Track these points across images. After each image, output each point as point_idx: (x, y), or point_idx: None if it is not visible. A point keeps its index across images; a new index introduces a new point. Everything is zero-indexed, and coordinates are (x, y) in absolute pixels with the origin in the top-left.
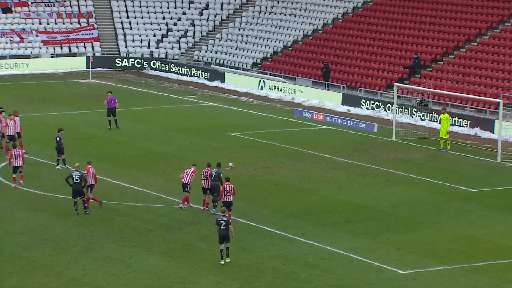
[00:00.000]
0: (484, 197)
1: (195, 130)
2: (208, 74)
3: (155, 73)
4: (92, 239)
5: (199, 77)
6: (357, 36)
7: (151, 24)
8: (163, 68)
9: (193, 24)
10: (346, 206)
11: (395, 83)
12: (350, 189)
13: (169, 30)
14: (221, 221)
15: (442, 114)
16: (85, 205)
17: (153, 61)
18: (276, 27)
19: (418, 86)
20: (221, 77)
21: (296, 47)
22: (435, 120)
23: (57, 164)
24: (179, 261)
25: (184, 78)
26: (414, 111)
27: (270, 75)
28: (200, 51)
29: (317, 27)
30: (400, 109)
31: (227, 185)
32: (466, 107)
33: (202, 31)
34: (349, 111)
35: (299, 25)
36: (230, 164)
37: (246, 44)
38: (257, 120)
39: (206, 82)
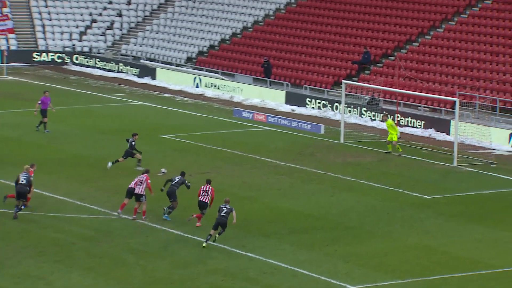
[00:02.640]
0: (439, 204)
1: (123, 132)
2: (138, 70)
3: (78, 69)
4: (8, 254)
5: (127, 73)
6: (301, 29)
7: (73, 15)
8: (86, 63)
9: (120, 15)
10: (290, 215)
11: (343, 80)
12: (295, 196)
13: (93, 21)
14: (223, 208)
15: (386, 121)
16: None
17: (76, 55)
18: (212, 19)
19: (368, 84)
20: (152, 73)
21: (235, 41)
22: None
23: None
24: (106, 278)
25: (111, 74)
26: (364, 110)
27: (206, 71)
28: (128, 45)
29: (257, 18)
30: (349, 108)
31: (206, 186)
32: (420, 106)
33: (131, 23)
34: (293, 110)
35: (238, 16)
36: (163, 170)
37: (179, 37)
38: (192, 121)
39: (135, 79)
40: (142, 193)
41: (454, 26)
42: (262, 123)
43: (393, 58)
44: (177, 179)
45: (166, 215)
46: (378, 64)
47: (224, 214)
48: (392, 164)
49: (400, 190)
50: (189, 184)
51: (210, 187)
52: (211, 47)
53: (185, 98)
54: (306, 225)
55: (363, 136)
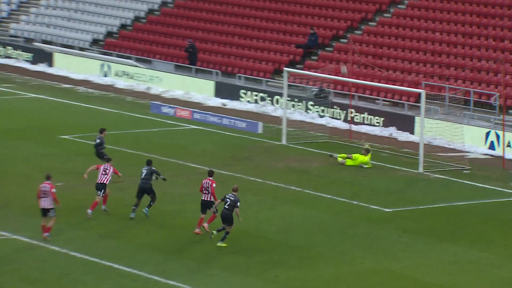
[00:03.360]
0: (402, 219)
1: (14, 131)
2: (31, 55)
3: None
4: None
5: (17, 58)
6: (234, 4)
7: None
8: None
9: None
10: (221, 234)
11: (285, 68)
12: None
13: None
14: (227, 200)
15: (361, 155)
16: None
17: None
18: None
19: (315, 72)
20: (48, 59)
21: (152, 19)
22: (338, 117)
23: None
24: None
25: None
26: (311, 105)
27: (116, 56)
28: (18, 23)
29: None
30: (292, 102)
31: (206, 181)
32: (378, 99)
33: None
34: (225, 105)
35: None
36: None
37: (82, 14)
38: (100, 118)
39: (28, 66)
40: (50, 207)
41: (419, 2)
42: (187, 121)
43: (345, 40)
44: (144, 172)
45: (146, 208)
46: (327, 48)
47: (227, 207)
48: (345, 170)
49: (355, 202)
50: (161, 175)
51: (211, 182)
52: (123, 26)
53: (91, 90)
54: (241, 246)
55: (309, 136)
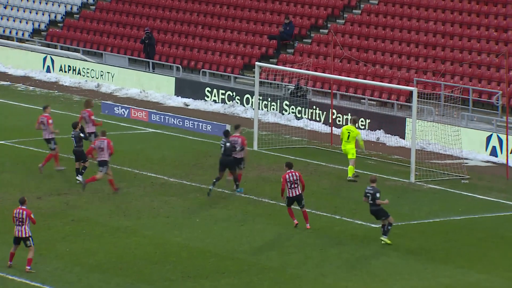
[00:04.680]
0: (391, 236)
1: None
2: None
3: None
4: None
5: None
6: None
7: None
8: None
9: None
10: (184, 253)
11: (257, 63)
12: (190, 226)
13: None
14: (368, 194)
15: (348, 127)
16: None
17: None
18: None
19: (291, 67)
20: None
21: (101, 5)
22: (317, 119)
23: None
24: None
25: None
26: (286, 105)
27: (61, 49)
28: None
29: None
30: (265, 102)
31: (291, 174)
32: (364, 98)
33: None
34: (187, 105)
35: None
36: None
37: (21, 0)
38: None
39: None
40: (27, 235)
41: None
42: (143, 123)
43: (325, 31)
44: (224, 145)
45: (237, 190)
46: (305, 40)
47: (371, 202)
48: (325, 179)
49: (337, 217)
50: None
51: (297, 173)
52: (68, 14)
53: (32, 88)
54: (207, 268)
55: (285, 140)
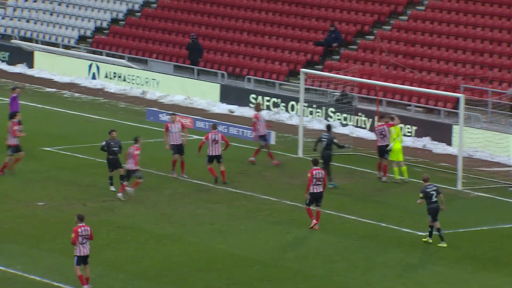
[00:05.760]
0: (438, 244)
1: None
2: (7, 54)
3: None
4: None
5: None
6: None
7: None
8: None
9: None
10: (228, 261)
11: (302, 69)
12: (235, 233)
13: None
14: (432, 193)
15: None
16: None
17: None
18: None
19: (337, 74)
20: (28, 58)
21: (146, 12)
22: (364, 126)
23: None
24: None
25: None
26: (332, 112)
27: (107, 55)
28: None
29: None
30: (310, 109)
31: (317, 171)
32: (410, 105)
33: None
34: (232, 112)
35: None
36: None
37: (67, 6)
38: (88, 127)
39: (4, 66)
40: (88, 253)
41: None
42: (188, 130)
43: (371, 37)
44: (325, 140)
45: (330, 184)
46: (350, 46)
47: (435, 200)
48: (372, 187)
49: (384, 225)
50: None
51: (322, 172)
52: (114, 21)
53: (77, 94)
54: (251, 275)
55: None
